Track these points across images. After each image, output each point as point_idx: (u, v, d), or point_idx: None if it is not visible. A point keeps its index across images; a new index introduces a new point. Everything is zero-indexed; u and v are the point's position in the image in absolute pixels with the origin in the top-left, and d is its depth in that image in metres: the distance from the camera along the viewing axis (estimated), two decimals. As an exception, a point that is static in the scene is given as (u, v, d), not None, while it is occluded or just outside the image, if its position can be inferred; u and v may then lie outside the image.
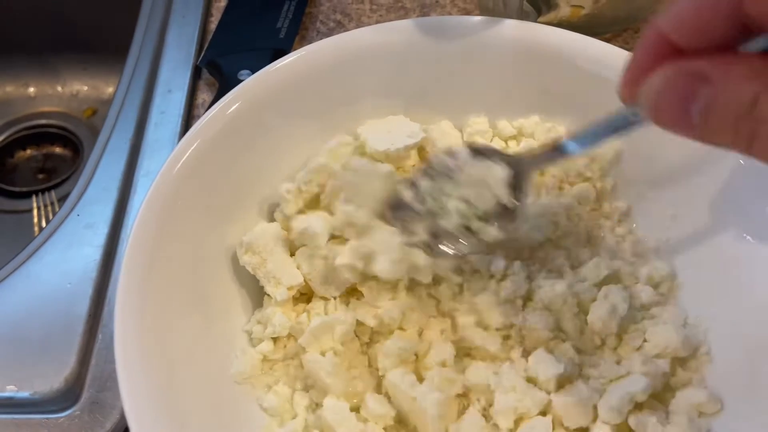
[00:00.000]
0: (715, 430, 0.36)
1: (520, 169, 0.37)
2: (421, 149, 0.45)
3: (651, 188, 0.44)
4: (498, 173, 0.37)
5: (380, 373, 0.38)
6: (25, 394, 0.42)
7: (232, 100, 0.40)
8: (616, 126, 0.31)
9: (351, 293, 0.41)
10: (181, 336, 0.37)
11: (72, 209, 0.50)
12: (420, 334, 0.40)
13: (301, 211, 0.41)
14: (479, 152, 0.38)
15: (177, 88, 0.55)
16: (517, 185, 0.37)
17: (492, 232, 0.37)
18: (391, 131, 0.44)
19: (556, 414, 0.37)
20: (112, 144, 0.52)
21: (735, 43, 0.24)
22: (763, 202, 0.38)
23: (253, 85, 0.41)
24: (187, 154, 0.38)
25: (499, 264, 0.40)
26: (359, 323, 0.39)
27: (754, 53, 0.23)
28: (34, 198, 0.76)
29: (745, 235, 0.39)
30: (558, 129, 0.45)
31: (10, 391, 0.42)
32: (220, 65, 0.55)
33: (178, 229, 0.37)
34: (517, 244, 0.42)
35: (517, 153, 0.39)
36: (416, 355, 0.39)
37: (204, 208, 0.39)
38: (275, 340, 0.40)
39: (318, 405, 0.38)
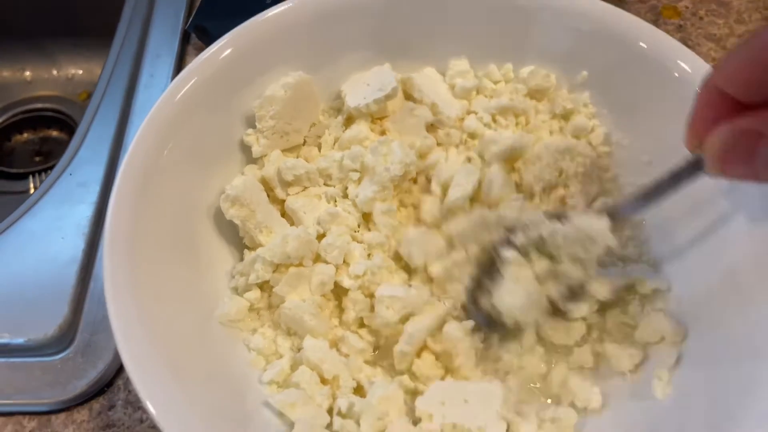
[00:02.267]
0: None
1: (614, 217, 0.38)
2: (407, 95, 0.46)
3: (627, 136, 0.45)
4: (601, 224, 0.37)
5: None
6: (20, 340, 0.43)
7: (225, 45, 0.41)
8: (682, 176, 0.33)
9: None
10: (168, 277, 0.37)
11: (65, 169, 0.51)
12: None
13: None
14: (555, 216, 0.39)
15: (166, 53, 0.56)
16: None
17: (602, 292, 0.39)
18: (370, 84, 0.44)
19: None
20: (103, 106, 0.53)
21: None
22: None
23: (244, 32, 0.42)
24: (186, 88, 0.39)
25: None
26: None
27: None
28: (30, 179, 0.76)
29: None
30: (551, 78, 0.46)
31: (5, 338, 0.43)
32: (208, 30, 0.56)
33: (169, 166, 0.38)
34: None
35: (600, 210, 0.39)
36: None
37: (193, 147, 0.40)
38: (261, 287, 0.41)
39: (300, 349, 0.39)
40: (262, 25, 0.43)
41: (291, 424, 0.35)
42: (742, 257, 0.36)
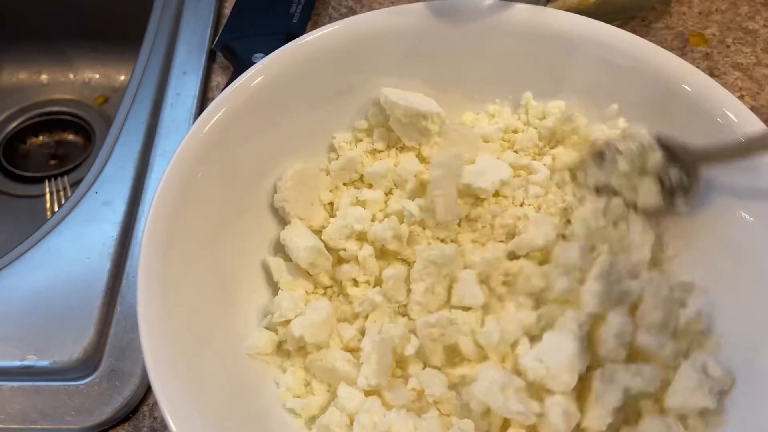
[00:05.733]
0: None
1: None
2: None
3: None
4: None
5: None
6: (45, 362, 0.43)
7: (256, 74, 0.41)
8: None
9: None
10: (200, 306, 0.37)
11: (90, 187, 0.51)
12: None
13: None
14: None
15: (192, 71, 0.56)
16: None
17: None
18: (411, 97, 0.44)
19: None
20: (128, 124, 0.53)
21: None
22: None
23: (274, 61, 0.42)
24: (215, 119, 0.39)
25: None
26: None
27: None
28: (46, 183, 0.76)
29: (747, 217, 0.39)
30: (580, 120, 0.45)
31: (31, 360, 0.43)
32: (235, 49, 0.56)
33: (200, 197, 0.38)
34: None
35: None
36: None
37: (225, 177, 0.40)
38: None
39: (334, 395, 0.38)
40: (294, 52, 0.43)
41: None
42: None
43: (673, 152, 0.40)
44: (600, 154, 0.42)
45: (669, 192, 0.40)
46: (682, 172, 0.40)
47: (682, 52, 0.58)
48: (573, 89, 0.46)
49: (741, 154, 0.38)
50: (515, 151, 0.45)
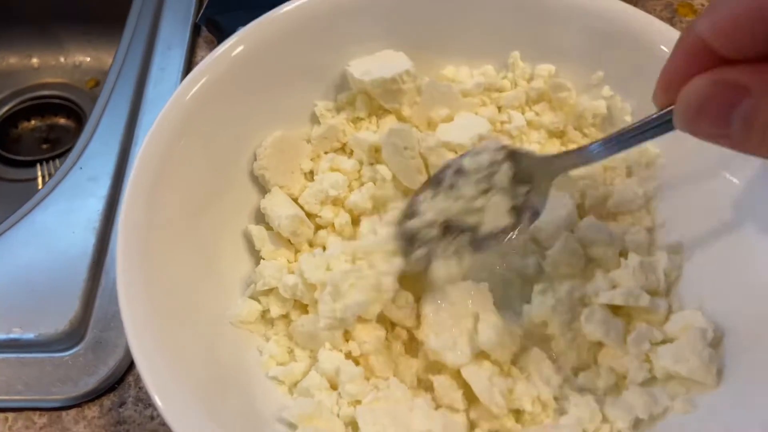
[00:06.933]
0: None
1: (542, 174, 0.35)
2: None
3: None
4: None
5: None
6: (30, 335, 0.43)
7: (237, 43, 0.41)
8: (648, 130, 0.30)
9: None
10: (181, 276, 0.37)
11: (75, 163, 0.51)
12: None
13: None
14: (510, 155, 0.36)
15: (176, 46, 0.55)
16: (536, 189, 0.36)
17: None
18: (377, 64, 0.44)
19: None
20: (113, 100, 0.53)
21: None
22: None
23: (256, 29, 0.42)
24: (196, 88, 0.39)
25: None
26: None
27: None
28: (38, 167, 0.76)
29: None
30: (569, 94, 0.45)
31: (16, 333, 0.43)
32: (219, 22, 0.55)
33: (180, 166, 0.38)
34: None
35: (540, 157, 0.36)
36: None
37: (206, 146, 0.40)
38: (272, 293, 0.40)
39: (315, 360, 0.38)
40: (276, 21, 0.43)
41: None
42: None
43: (521, 166, 0.36)
44: (437, 181, 0.37)
45: (516, 211, 0.36)
46: (530, 188, 0.35)
47: (671, 23, 0.58)
48: (559, 55, 0.45)
49: (585, 163, 0.35)
50: (498, 107, 0.45)
